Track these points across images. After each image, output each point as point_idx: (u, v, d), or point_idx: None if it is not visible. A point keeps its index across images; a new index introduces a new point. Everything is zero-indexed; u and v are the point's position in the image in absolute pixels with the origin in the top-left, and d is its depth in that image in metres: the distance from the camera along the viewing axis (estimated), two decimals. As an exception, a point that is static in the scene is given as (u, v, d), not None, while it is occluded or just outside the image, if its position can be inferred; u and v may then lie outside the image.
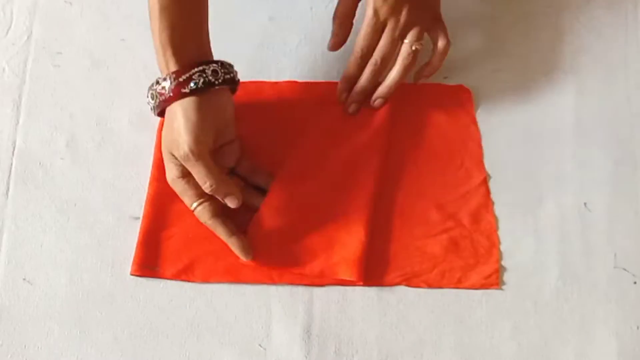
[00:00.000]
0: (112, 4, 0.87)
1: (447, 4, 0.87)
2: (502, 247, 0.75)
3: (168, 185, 0.77)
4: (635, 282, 0.74)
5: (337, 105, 0.81)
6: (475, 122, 0.81)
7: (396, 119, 0.81)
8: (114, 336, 0.71)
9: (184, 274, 0.73)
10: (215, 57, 0.84)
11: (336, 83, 0.83)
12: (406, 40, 0.77)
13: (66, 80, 0.83)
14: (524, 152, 0.80)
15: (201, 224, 0.75)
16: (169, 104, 0.71)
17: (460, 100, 0.82)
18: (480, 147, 0.80)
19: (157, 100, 0.72)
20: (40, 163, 0.78)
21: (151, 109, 0.74)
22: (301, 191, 0.76)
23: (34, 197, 0.77)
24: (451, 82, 0.83)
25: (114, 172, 0.78)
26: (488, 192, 0.78)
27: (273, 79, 0.84)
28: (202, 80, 0.70)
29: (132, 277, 0.73)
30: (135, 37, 0.85)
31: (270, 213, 0.75)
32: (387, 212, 0.77)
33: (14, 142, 0.79)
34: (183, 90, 0.70)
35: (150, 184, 0.77)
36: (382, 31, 0.77)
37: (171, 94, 0.70)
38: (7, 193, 0.77)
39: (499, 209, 0.77)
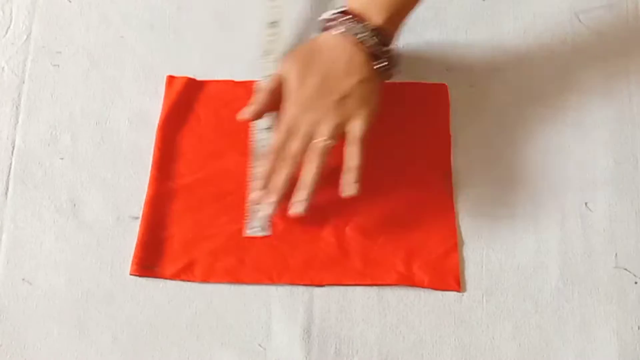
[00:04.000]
0: (112, 3, 0.87)
1: (447, 3, 0.87)
2: (502, 247, 0.75)
3: (168, 185, 0.77)
4: (636, 282, 0.74)
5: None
6: (447, 121, 0.81)
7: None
8: (113, 336, 0.71)
9: (184, 273, 0.73)
10: (216, 57, 0.84)
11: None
12: (314, 139, 0.73)
13: (66, 80, 0.83)
14: (524, 151, 0.80)
15: (201, 224, 0.75)
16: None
17: (435, 100, 0.82)
18: (449, 145, 0.80)
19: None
20: (39, 163, 0.78)
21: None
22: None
23: (34, 197, 0.77)
24: (452, 81, 0.83)
25: (113, 172, 0.78)
26: (450, 194, 0.78)
27: (273, 79, 0.84)
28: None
29: (132, 277, 0.73)
30: (135, 37, 0.85)
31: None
32: (383, 211, 0.77)
33: (13, 142, 0.79)
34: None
35: (150, 184, 0.77)
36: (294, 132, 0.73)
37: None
38: (6, 193, 0.77)
39: (499, 209, 0.77)
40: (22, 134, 0.80)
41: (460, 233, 0.76)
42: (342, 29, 0.74)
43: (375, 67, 0.74)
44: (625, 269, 0.75)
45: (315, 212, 0.76)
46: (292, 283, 0.74)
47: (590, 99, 0.82)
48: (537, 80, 0.84)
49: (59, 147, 0.79)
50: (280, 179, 0.72)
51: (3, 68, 0.83)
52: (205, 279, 0.73)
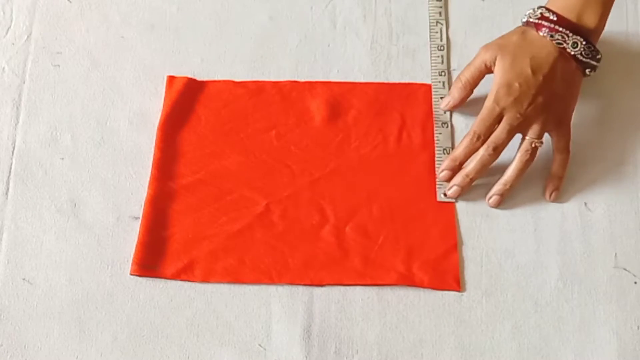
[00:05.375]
0: (112, 3, 0.87)
1: (447, 3, 0.87)
2: (502, 247, 0.75)
3: (168, 185, 0.77)
4: (635, 282, 0.74)
5: (337, 104, 0.82)
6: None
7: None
8: (113, 336, 0.71)
9: (184, 273, 0.73)
10: (216, 57, 0.85)
11: (337, 83, 0.83)
12: (527, 137, 0.76)
13: (66, 80, 0.83)
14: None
15: (201, 224, 0.75)
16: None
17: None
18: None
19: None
20: (40, 163, 0.78)
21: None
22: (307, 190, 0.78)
23: (34, 197, 0.77)
24: (452, 81, 0.83)
25: (113, 172, 0.78)
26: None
27: (273, 79, 0.84)
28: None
29: (132, 277, 0.73)
30: (135, 37, 0.85)
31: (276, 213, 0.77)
32: (383, 211, 0.77)
33: (14, 142, 0.79)
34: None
35: (150, 184, 0.77)
36: (500, 120, 0.76)
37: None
38: (6, 193, 0.77)
39: (499, 209, 0.77)
40: (23, 134, 0.80)
41: (460, 233, 0.76)
42: (556, 36, 0.76)
43: (585, 74, 0.78)
44: (625, 269, 0.75)
45: (315, 212, 0.77)
46: (292, 283, 0.73)
47: (590, 98, 0.82)
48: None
49: (59, 147, 0.79)
50: (478, 164, 0.76)
51: (3, 68, 0.83)
52: (205, 279, 0.73)
